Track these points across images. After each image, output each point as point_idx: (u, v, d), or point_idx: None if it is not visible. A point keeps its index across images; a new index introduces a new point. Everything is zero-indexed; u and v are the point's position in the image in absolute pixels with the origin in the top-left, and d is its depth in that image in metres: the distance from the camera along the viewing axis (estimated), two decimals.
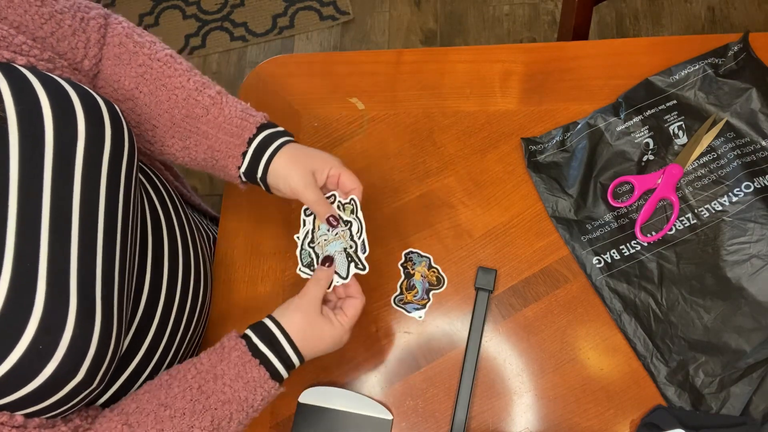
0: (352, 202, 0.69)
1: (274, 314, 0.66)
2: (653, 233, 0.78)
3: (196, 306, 0.74)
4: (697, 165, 0.80)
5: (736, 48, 0.84)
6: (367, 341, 0.79)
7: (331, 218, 0.68)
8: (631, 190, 0.80)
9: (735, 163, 0.79)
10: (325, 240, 0.67)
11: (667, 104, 0.83)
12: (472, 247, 0.81)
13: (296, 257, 0.84)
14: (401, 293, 0.80)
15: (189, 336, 0.74)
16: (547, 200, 0.81)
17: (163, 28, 2.02)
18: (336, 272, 0.67)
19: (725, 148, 0.80)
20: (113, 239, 0.56)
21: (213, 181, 1.81)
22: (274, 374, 0.62)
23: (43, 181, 0.51)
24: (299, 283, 0.82)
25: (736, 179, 0.78)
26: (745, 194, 0.77)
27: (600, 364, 0.75)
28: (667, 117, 0.83)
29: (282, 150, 0.68)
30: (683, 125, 0.82)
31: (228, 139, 0.69)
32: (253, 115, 0.70)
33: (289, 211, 0.86)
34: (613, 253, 0.78)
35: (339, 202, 0.69)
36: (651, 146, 0.82)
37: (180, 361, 0.73)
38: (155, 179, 0.73)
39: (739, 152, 0.79)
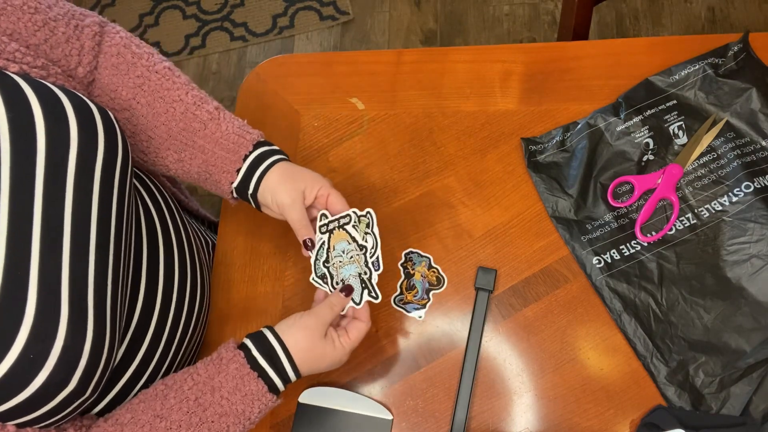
0: (369, 215, 0.69)
1: (277, 329, 0.65)
2: (653, 233, 0.78)
3: (192, 313, 0.73)
4: (697, 165, 0.80)
5: (736, 48, 0.84)
6: (367, 341, 0.79)
7: (307, 240, 0.69)
8: (631, 190, 0.80)
9: (735, 163, 0.79)
10: (340, 262, 0.68)
11: (667, 104, 0.83)
12: (472, 247, 0.81)
13: (296, 258, 0.84)
14: (401, 293, 0.80)
15: (186, 344, 0.73)
16: (547, 200, 0.81)
17: (163, 28, 2.02)
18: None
19: (725, 148, 0.80)
20: (106, 247, 0.56)
21: None
22: (272, 387, 0.62)
23: (34, 189, 0.51)
24: (299, 283, 0.82)
25: (736, 179, 0.78)
26: (745, 194, 0.77)
27: (600, 364, 0.75)
28: (667, 117, 0.83)
29: (274, 167, 0.69)
30: (683, 125, 0.82)
31: (224, 154, 0.70)
32: (250, 132, 0.71)
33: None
34: (613, 253, 0.78)
35: (354, 213, 0.69)
36: (651, 146, 0.82)
37: (177, 369, 0.73)
38: (151, 186, 0.73)
39: (739, 152, 0.79)
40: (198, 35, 1.99)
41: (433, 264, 0.81)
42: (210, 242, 0.91)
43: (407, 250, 0.82)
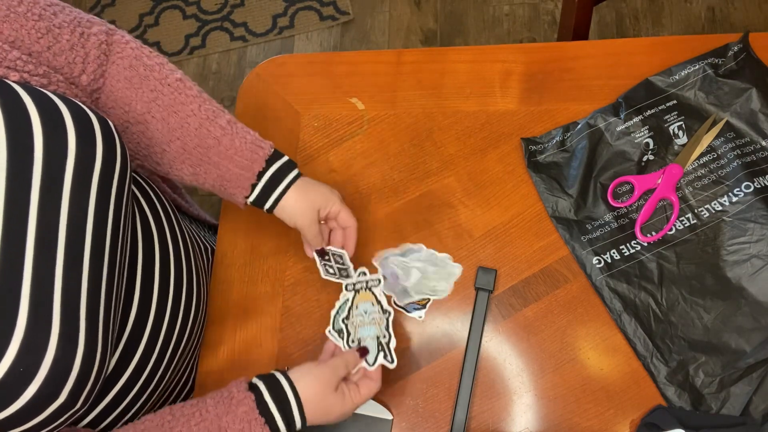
0: (458, 270, 0.77)
1: (291, 375, 0.64)
2: (653, 233, 0.78)
3: (187, 323, 0.73)
4: (697, 165, 0.80)
5: (736, 48, 0.84)
6: None
7: (320, 249, 0.74)
8: (631, 190, 0.80)
9: (735, 163, 0.79)
10: (360, 320, 0.68)
11: (667, 104, 0.83)
12: (472, 247, 0.81)
13: (296, 258, 0.84)
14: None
15: (180, 352, 0.73)
16: (547, 200, 0.81)
17: (163, 28, 2.02)
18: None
19: (725, 148, 0.80)
20: (101, 258, 0.56)
21: None
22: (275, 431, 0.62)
23: (30, 199, 0.51)
24: (299, 283, 0.82)
25: (736, 179, 0.78)
26: (745, 194, 0.77)
27: (600, 364, 0.75)
28: (667, 117, 0.83)
29: (291, 188, 0.71)
30: (683, 125, 0.82)
31: (238, 171, 0.70)
32: (262, 147, 0.71)
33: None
34: (613, 253, 0.78)
35: (374, 282, 0.71)
36: (651, 146, 0.82)
37: (170, 378, 0.73)
38: (149, 191, 0.72)
39: (739, 152, 0.79)
40: (198, 35, 1.99)
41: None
42: (209, 247, 0.90)
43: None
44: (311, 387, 0.63)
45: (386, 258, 0.81)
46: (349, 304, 0.69)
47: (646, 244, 0.78)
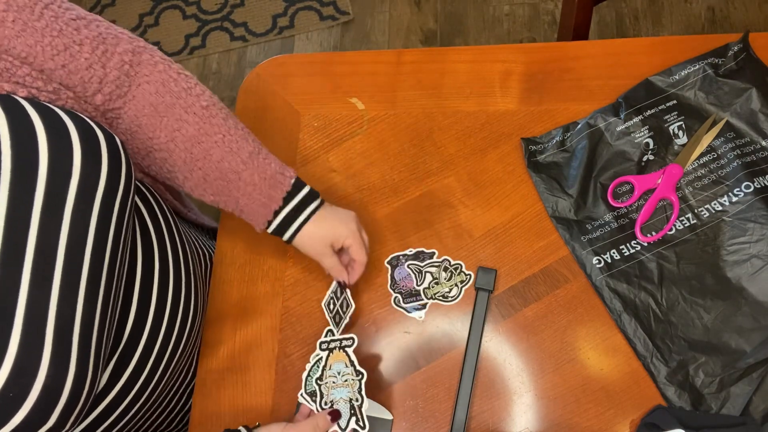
0: (468, 277, 0.78)
1: None
2: (653, 233, 0.78)
3: (183, 334, 0.72)
4: (697, 165, 0.80)
5: (736, 48, 0.84)
6: (367, 341, 0.79)
7: (342, 281, 0.75)
8: (631, 190, 0.80)
9: (735, 163, 0.79)
10: (333, 382, 0.68)
11: (667, 104, 0.83)
12: (472, 247, 0.81)
13: (296, 258, 0.84)
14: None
15: (174, 363, 0.72)
16: (547, 200, 0.81)
17: (163, 28, 2.02)
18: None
19: (725, 148, 0.80)
20: (98, 280, 0.55)
21: None
22: None
23: (30, 219, 0.50)
24: (299, 283, 0.82)
25: (736, 179, 0.78)
26: (745, 194, 0.77)
27: (600, 364, 0.75)
28: (667, 117, 0.83)
29: (306, 224, 0.72)
30: (683, 125, 0.82)
31: (257, 208, 0.71)
32: (281, 183, 0.71)
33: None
34: (613, 253, 0.78)
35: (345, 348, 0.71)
36: (651, 146, 0.82)
37: (161, 392, 0.72)
38: (152, 200, 0.71)
39: (739, 152, 0.79)
40: (198, 35, 2.00)
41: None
42: (208, 254, 0.89)
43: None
44: None
45: (398, 259, 0.81)
46: (322, 363, 0.68)
47: (646, 244, 0.78)
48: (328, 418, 0.66)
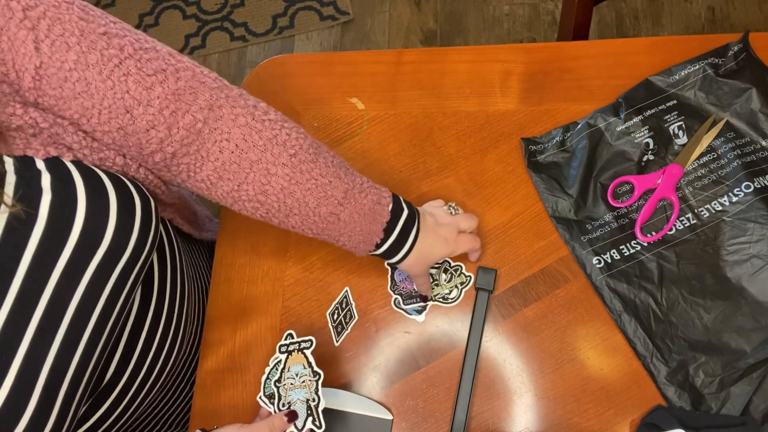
0: (468, 279, 0.79)
1: None
2: (653, 233, 0.78)
3: (165, 367, 0.72)
4: (697, 165, 0.80)
5: (736, 48, 0.84)
6: (367, 341, 0.79)
7: (427, 296, 0.78)
8: (631, 190, 0.80)
9: (735, 163, 0.79)
10: (291, 384, 0.68)
11: (667, 104, 0.83)
12: None
13: (296, 258, 0.84)
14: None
15: (156, 389, 0.72)
16: (547, 200, 0.81)
17: (163, 28, 2.02)
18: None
19: (725, 148, 0.80)
20: (98, 338, 0.55)
21: None
22: None
23: (49, 278, 0.50)
24: (299, 283, 0.82)
25: (736, 179, 0.78)
26: (745, 194, 0.77)
27: (600, 364, 0.75)
28: (667, 117, 0.83)
29: (410, 255, 0.71)
30: (683, 125, 0.82)
31: (357, 243, 0.69)
32: (381, 215, 0.68)
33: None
34: (613, 253, 0.78)
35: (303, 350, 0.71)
36: (651, 146, 0.82)
37: (151, 405, 0.72)
38: (165, 240, 0.69)
39: (739, 152, 0.79)
40: (198, 35, 1.99)
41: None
42: (207, 278, 0.88)
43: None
44: None
45: None
46: (281, 366, 0.69)
47: (646, 244, 0.78)
48: (285, 419, 0.65)
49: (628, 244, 0.78)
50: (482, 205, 0.83)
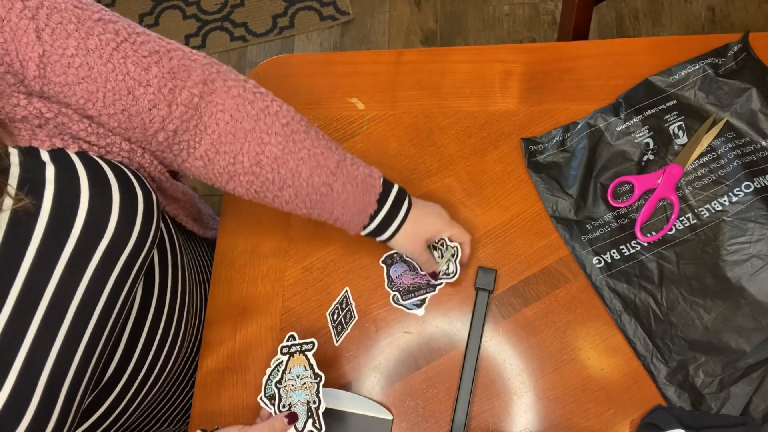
0: (456, 249, 0.77)
1: None
2: (653, 233, 0.78)
3: (165, 369, 0.72)
4: (697, 165, 0.80)
5: (736, 48, 0.84)
6: (367, 341, 0.79)
7: (432, 273, 0.78)
8: (631, 190, 0.80)
9: (735, 163, 0.79)
10: (292, 385, 0.68)
11: (667, 104, 0.83)
12: (472, 247, 0.81)
13: (296, 257, 0.84)
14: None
15: (155, 390, 0.72)
16: (547, 200, 0.81)
17: (163, 28, 2.02)
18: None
19: (725, 148, 0.80)
20: (100, 334, 0.55)
21: None
22: None
23: (53, 272, 0.50)
24: (299, 283, 0.82)
25: (736, 179, 0.78)
26: (745, 194, 0.77)
27: (600, 364, 0.75)
28: (667, 117, 0.83)
29: (402, 226, 0.72)
30: (683, 125, 0.82)
31: (351, 215, 0.69)
32: (373, 186, 0.69)
33: (289, 213, 0.86)
34: (613, 253, 0.78)
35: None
36: (651, 146, 0.82)
37: (150, 405, 0.72)
38: (166, 236, 0.70)
39: (739, 152, 0.79)
40: (198, 35, 1.99)
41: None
42: (207, 278, 0.88)
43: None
44: None
45: (392, 257, 0.81)
46: (282, 367, 0.69)
47: (646, 244, 0.78)
48: (285, 420, 0.65)
49: (628, 244, 0.78)
50: (482, 205, 0.83)
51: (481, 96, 0.89)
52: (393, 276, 0.80)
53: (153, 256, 0.66)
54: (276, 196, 0.67)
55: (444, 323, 0.79)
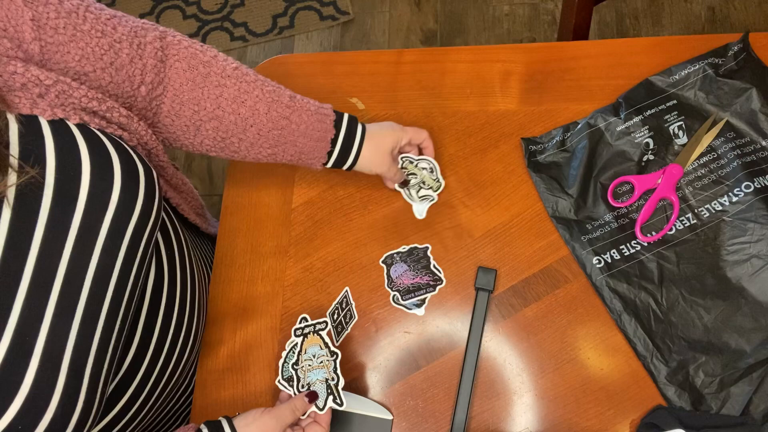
0: (428, 163, 0.83)
1: (236, 421, 0.64)
2: (653, 233, 0.78)
3: (183, 355, 0.72)
4: (697, 165, 0.80)
5: (736, 48, 0.84)
6: (367, 341, 0.79)
7: (403, 181, 0.83)
8: (631, 190, 0.80)
9: (735, 163, 0.79)
10: (309, 365, 0.69)
11: (667, 104, 0.83)
12: (472, 247, 0.81)
13: (296, 257, 0.84)
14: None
15: (171, 385, 0.72)
16: (547, 200, 0.81)
17: None
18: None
19: (725, 148, 0.80)
20: (117, 311, 0.55)
21: (213, 182, 1.81)
22: None
23: (64, 249, 0.50)
24: (299, 283, 0.82)
25: (736, 179, 0.78)
26: (745, 194, 0.77)
27: (600, 364, 0.75)
28: (667, 117, 0.83)
29: (363, 146, 0.76)
30: (683, 125, 0.82)
31: (313, 144, 0.74)
32: (327, 114, 0.74)
33: (288, 211, 0.86)
34: (613, 253, 0.78)
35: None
36: (651, 146, 0.82)
37: (159, 406, 0.72)
38: (169, 226, 0.71)
39: (739, 152, 0.79)
40: (198, 35, 1.99)
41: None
42: (209, 263, 0.89)
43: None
44: None
45: (393, 258, 0.81)
46: (297, 349, 0.69)
47: (646, 244, 0.78)
48: (306, 399, 0.67)
49: (628, 244, 0.78)
50: (482, 205, 0.83)
51: (481, 96, 0.89)
52: (393, 276, 0.81)
53: (160, 245, 0.66)
54: (241, 140, 0.72)
55: (444, 323, 0.79)
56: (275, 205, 0.87)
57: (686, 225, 0.78)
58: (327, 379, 0.68)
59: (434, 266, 0.80)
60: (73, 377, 0.51)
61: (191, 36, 2.03)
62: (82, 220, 0.51)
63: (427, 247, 0.81)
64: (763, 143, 0.80)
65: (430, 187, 0.82)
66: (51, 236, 0.50)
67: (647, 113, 0.83)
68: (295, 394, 0.68)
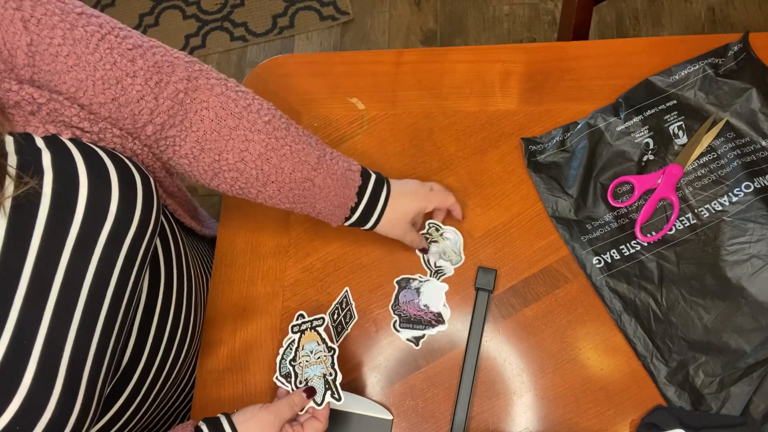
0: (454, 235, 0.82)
1: (234, 419, 0.64)
2: (653, 233, 0.78)
3: (179, 358, 0.72)
4: (697, 165, 0.80)
5: (736, 48, 0.84)
6: (367, 341, 0.79)
7: (422, 248, 0.81)
8: (631, 190, 0.80)
9: (735, 163, 0.79)
10: (306, 361, 0.69)
11: (667, 104, 0.83)
12: (472, 247, 0.81)
13: (296, 257, 0.84)
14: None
15: (168, 386, 0.72)
16: (547, 200, 0.81)
17: (163, 28, 2.02)
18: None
19: (725, 148, 0.80)
20: (115, 315, 0.55)
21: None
22: None
23: (61, 256, 0.51)
24: (299, 283, 0.82)
25: (736, 179, 0.78)
26: (745, 194, 0.77)
27: (600, 364, 0.75)
28: (667, 117, 0.83)
29: (385, 213, 0.74)
30: (683, 125, 0.82)
31: (332, 209, 0.72)
32: (352, 179, 0.71)
33: (288, 211, 0.86)
34: (613, 253, 0.78)
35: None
36: (651, 146, 0.82)
37: (156, 406, 0.72)
38: (167, 228, 0.70)
39: (739, 152, 0.79)
40: (198, 35, 1.99)
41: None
42: (209, 265, 0.89)
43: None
44: (253, 430, 0.63)
45: (408, 282, 0.80)
46: (295, 345, 0.70)
47: (646, 244, 0.78)
48: (304, 395, 0.67)
49: (628, 244, 0.78)
50: (482, 205, 0.83)
51: (481, 96, 0.89)
52: (401, 300, 0.80)
53: (157, 247, 0.66)
54: (260, 192, 0.69)
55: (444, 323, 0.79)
56: None
57: (686, 225, 0.78)
58: (325, 375, 0.68)
59: (444, 305, 0.79)
60: (71, 378, 0.51)
61: (190, 36, 2.04)
62: (79, 231, 0.52)
63: (443, 286, 0.80)
64: (763, 143, 0.80)
65: (449, 260, 0.81)
66: (48, 244, 0.50)
67: (647, 113, 0.83)
68: (293, 389, 0.68)
